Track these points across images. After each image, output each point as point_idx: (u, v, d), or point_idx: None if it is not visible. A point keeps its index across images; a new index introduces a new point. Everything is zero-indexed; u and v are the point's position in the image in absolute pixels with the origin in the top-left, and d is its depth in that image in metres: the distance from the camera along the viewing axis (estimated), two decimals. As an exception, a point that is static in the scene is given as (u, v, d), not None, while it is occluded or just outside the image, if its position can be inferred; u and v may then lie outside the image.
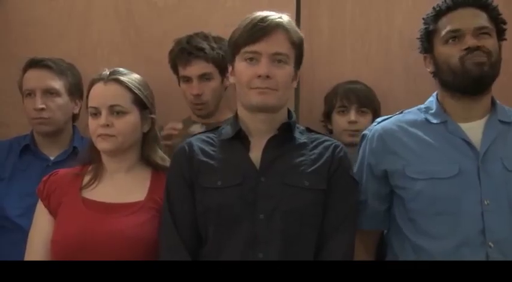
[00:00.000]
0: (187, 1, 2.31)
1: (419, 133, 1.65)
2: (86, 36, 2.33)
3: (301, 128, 1.69)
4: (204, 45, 2.04)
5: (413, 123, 1.68)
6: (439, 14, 1.64)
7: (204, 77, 2.05)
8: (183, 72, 2.08)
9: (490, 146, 1.58)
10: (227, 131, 1.65)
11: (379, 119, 1.77)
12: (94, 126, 1.67)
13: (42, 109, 1.99)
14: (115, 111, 1.67)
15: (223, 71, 2.05)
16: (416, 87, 2.21)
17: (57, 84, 2.03)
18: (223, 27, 2.20)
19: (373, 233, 1.74)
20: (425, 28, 1.67)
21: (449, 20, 1.62)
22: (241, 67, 1.58)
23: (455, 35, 1.60)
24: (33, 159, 2.04)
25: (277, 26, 1.56)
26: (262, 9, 1.61)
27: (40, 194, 1.72)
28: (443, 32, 1.62)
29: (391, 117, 1.74)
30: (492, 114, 1.64)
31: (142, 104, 1.71)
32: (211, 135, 1.67)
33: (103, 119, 1.65)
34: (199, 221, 1.58)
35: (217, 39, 2.08)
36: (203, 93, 2.06)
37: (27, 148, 2.06)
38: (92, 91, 1.71)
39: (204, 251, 1.57)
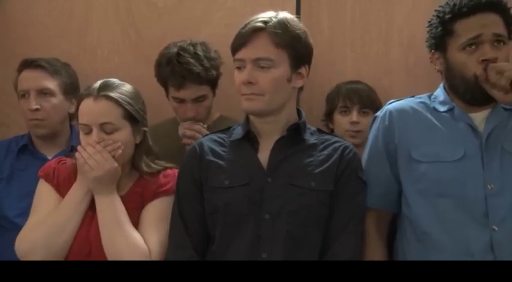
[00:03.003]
0: (187, 1, 2.31)
1: (428, 118, 1.67)
2: (86, 36, 2.33)
3: (312, 129, 1.69)
4: (198, 68, 1.95)
5: (423, 107, 1.70)
6: (456, 16, 1.62)
7: (198, 99, 2.01)
8: (175, 93, 2.01)
9: (493, 131, 1.60)
10: (237, 131, 1.66)
11: (391, 101, 1.78)
12: (85, 143, 1.66)
13: (37, 109, 1.99)
14: (106, 129, 1.64)
15: (215, 85, 2.05)
16: (416, 87, 2.19)
17: (52, 84, 2.03)
18: (223, 27, 2.21)
19: (384, 214, 1.72)
20: (441, 29, 1.64)
21: (468, 26, 1.60)
22: (234, 74, 1.60)
23: (474, 42, 1.59)
24: (31, 159, 2.04)
25: (257, 31, 1.55)
26: (262, 9, 1.62)
27: (49, 180, 1.71)
28: (461, 39, 1.60)
29: (402, 99, 1.76)
30: (497, 104, 1.64)
31: (134, 118, 1.68)
32: (222, 135, 1.69)
33: (95, 137, 1.63)
34: (208, 220, 1.60)
35: (207, 53, 2.01)
36: (197, 113, 2.01)
37: (25, 148, 2.06)
38: (81, 107, 1.67)
39: (211, 250, 1.58)
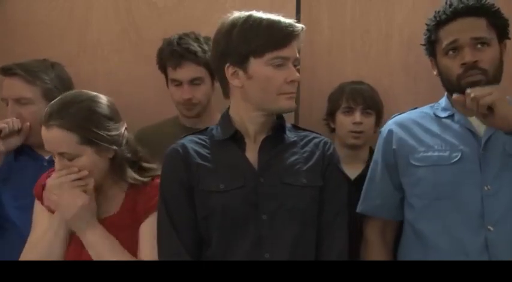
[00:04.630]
0: (187, 1, 2.31)
1: (427, 125, 1.70)
2: (86, 36, 2.33)
3: (289, 125, 1.68)
4: (196, 47, 1.99)
5: (424, 117, 1.73)
6: (439, 23, 1.66)
7: (194, 81, 2.02)
8: (173, 74, 2.03)
9: (493, 134, 1.61)
10: (219, 132, 1.63)
11: (394, 115, 1.83)
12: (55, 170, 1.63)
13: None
14: (65, 157, 1.58)
15: (214, 74, 2.03)
16: (416, 87, 2.21)
17: (29, 92, 1.97)
18: (223, 27, 2.20)
19: (388, 222, 1.75)
20: (428, 36, 1.70)
21: (448, 32, 1.64)
22: (267, 72, 1.54)
23: (454, 47, 1.62)
24: (28, 159, 2.03)
25: (301, 31, 1.57)
26: (262, 10, 1.61)
27: (39, 198, 1.70)
28: (443, 44, 1.65)
29: (404, 112, 1.80)
30: None
31: (94, 141, 1.58)
32: (201, 136, 1.65)
33: (56, 165, 1.59)
34: (201, 224, 1.56)
35: (208, 41, 2.03)
36: (193, 97, 2.02)
37: (22, 148, 2.04)
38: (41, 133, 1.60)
39: (208, 254, 1.55)
